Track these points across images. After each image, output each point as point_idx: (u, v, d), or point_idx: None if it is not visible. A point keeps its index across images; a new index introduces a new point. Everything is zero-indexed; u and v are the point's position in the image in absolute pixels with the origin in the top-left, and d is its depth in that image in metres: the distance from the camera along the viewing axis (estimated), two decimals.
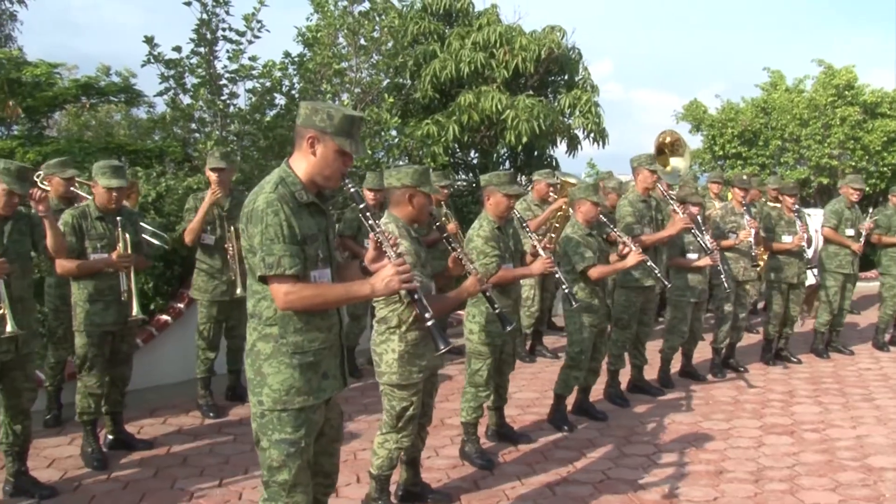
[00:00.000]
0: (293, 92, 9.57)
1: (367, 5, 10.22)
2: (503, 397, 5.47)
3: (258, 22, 8.61)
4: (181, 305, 6.87)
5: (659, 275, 5.91)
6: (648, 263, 5.73)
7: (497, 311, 4.26)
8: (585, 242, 5.64)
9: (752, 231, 7.15)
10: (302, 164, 2.92)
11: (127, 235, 4.96)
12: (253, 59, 8.77)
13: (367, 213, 3.04)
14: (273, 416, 2.89)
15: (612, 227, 5.87)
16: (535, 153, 11.91)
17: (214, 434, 5.61)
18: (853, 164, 14.90)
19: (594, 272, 5.58)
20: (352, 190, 3.00)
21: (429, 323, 3.11)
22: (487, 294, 4.26)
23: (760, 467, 5.14)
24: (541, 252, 5.02)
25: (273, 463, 2.91)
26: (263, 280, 2.83)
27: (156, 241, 5.68)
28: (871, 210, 9.12)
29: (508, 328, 4.35)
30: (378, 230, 3.05)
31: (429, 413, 4.35)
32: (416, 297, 3.07)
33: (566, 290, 5.20)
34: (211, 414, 5.96)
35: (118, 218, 4.96)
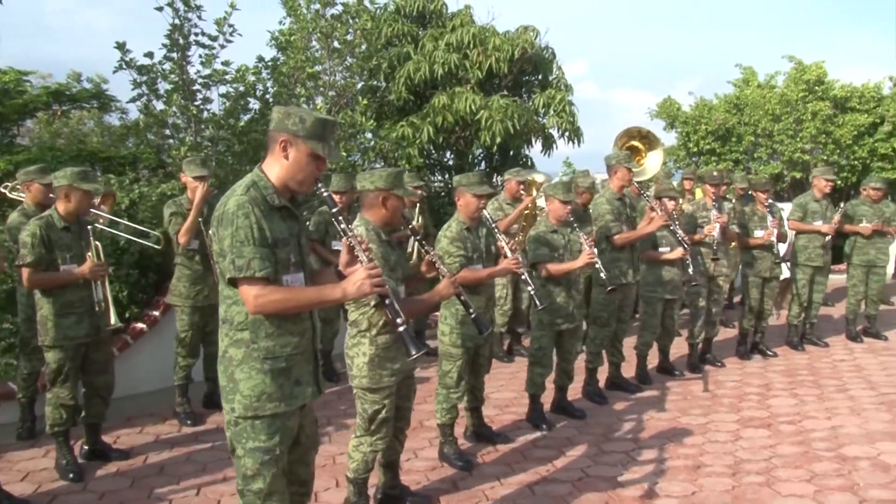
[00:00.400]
0: (267, 96, 9.54)
1: (339, 8, 10.21)
2: (479, 398, 5.48)
3: (230, 26, 8.58)
4: (157, 313, 6.82)
5: (604, 275, 5.86)
6: (597, 265, 5.72)
7: (472, 315, 4.28)
8: (546, 240, 5.66)
9: (718, 226, 7.20)
10: (275, 168, 2.92)
11: (98, 244, 4.91)
12: (226, 63, 8.74)
13: (340, 217, 3.04)
14: (246, 423, 2.87)
15: (576, 226, 5.86)
16: (511, 153, 11.95)
17: (192, 442, 5.57)
18: (825, 157, 15.07)
19: (543, 268, 5.60)
20: (325, 194, 3.00)
21: (400, 328, 3.09)
22: (462, 298, 4.27)
23: (738, 460, 5.18)
24: (508, 253, 5.03)
25: (247, 471, 2.89)
26: (233, 283, 2.81)
27: (146, 242, 5.62)
28: (842, 204, 9.22)
29: (485, 333, 4.37)
30: (350, 234, 3.05)
31: (406, 416, 4.35)
32: (387, 301, 3.06)
33: (531, 292, 5.22)
34: (188, 422, 5.91)
35: (89, 227, 4.91)
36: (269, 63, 9.70)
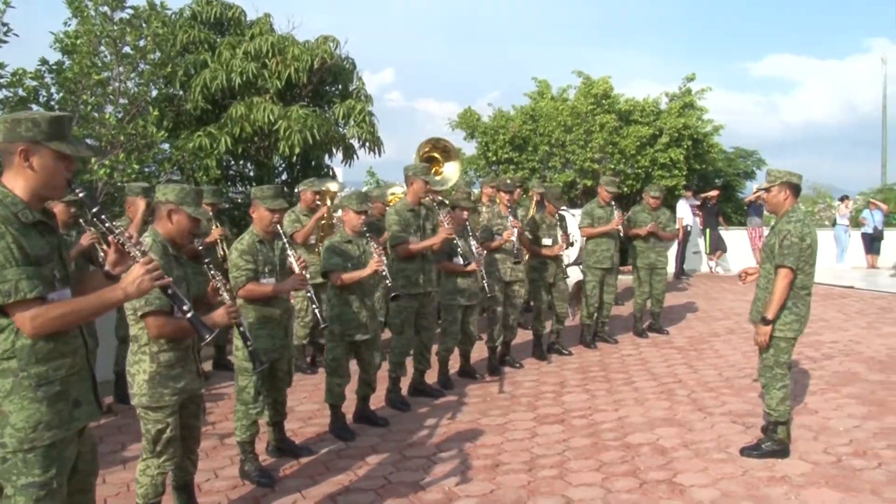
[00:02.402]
0: (52, 102, 8.93)
1: (129, 12, 9.72)
2: (282, 413, 5.39)
3: (4, 25, 7.93)
4: None
5: (389, 283, 5.85)
6: (384, 272, 5.75)
7: (250, 348, 4.25)
8: (340, 249, 5.69)
9: (515, 231, 7.48)
10: (19, 181, 2.71)
11: None
12: (0, 66, 8.08)
13: (103, 217, 2.92)
14: (17, 458, 2.64)
15: (369, 235, 5.91)
16: (313, 163, 11.85)
17: None
18: (612, 166, 16.04)
19: (333, 277, 5.64)
20: (81, 195, 2.86)
21: (188, 315, 3.12)
22: (241, 329, 4.23)
23: (534, 456, 5.39)
24: (296, 268, 5.01)
25: None
26: (1, 311, 2.59)
27: None
28: (629, 211, 9.90)
29: (259, 368, 4.34)
30: (117, 232, 2.91)
31: (195, 435, 4.21)
32: (170, 291, 3.02)
33: (315, 309, 5.24)
34: None
35: None
36: (54, 67, 9.09)
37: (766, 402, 5.34)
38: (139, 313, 3.69)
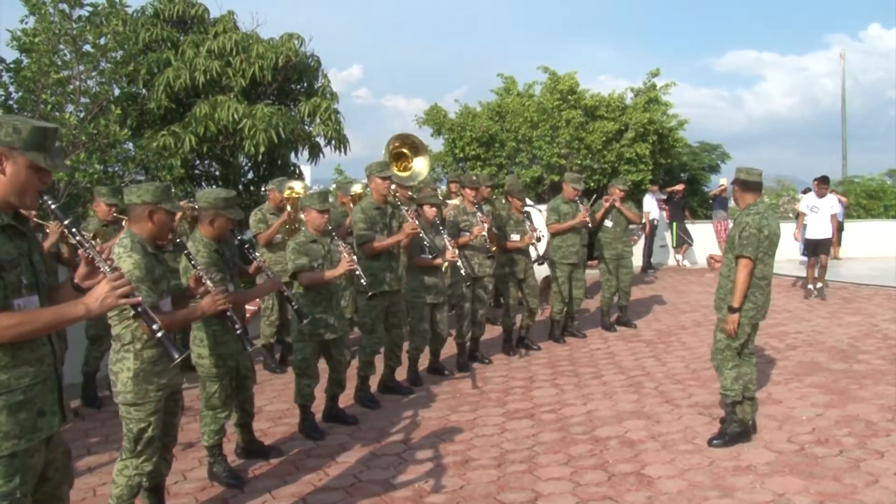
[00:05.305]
0: (10, 102, 8.78)
1: (89, 9, 9.57)
2: (249, 412, 5.35)
3: None
4: None
5: (364, 282, 5.91)
6: (357, 272, 5.77)
7: (238, 331, 4.28)
8: (305, 249, 5.66)
9: (486, 226, 7.49)
10: None
11: None
12: None
13: (74, 230, 2.86)
14: None
15: (335, 235, 5.91)
16: (279, 162, 11.75)
17: None
18: (579, 161, 16.14)
19: (303, 278, 5.63)
20: (52, 207, 2.80)
21: (158, 334, 3.03)
22: (228, 314, 4.21)
23: (503, 451, 5.41)
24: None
25: None
26: None
27: None
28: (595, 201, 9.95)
29: (249, 349, 4.39)
30: (88, 245, 2.87)
31: (172, 432, 4.19)
32: (139, 309, 2.96)
33: (295, 307, 5.24)
34: None
35: None
36: (11, 66, 8.93)
37: (721, 383, 5.48)
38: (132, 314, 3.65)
